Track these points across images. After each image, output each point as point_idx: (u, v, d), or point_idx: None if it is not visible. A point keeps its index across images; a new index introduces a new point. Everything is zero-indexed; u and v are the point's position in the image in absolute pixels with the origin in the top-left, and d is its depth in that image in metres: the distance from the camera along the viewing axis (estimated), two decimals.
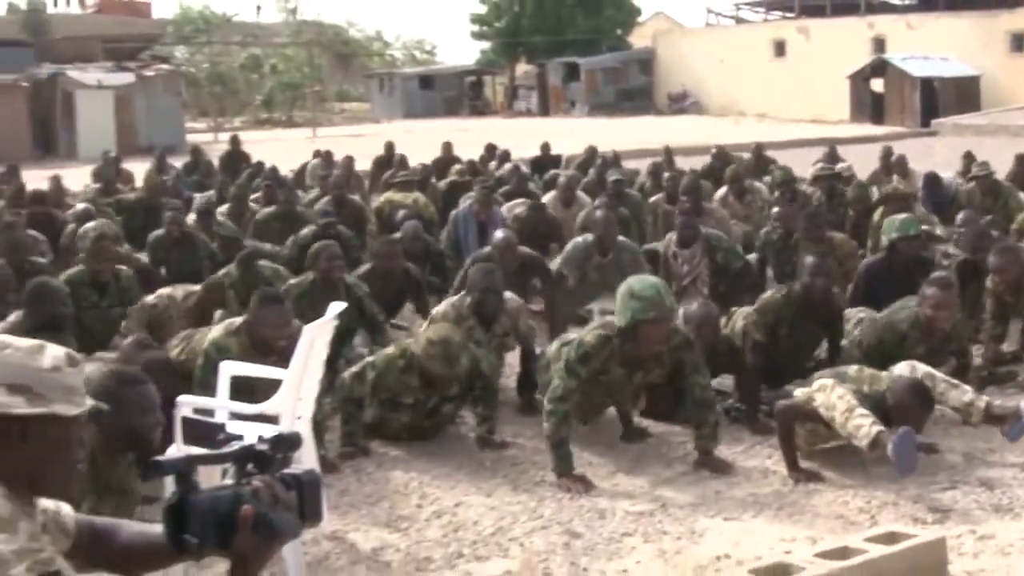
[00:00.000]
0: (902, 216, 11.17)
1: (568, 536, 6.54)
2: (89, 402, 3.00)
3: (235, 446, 3.01)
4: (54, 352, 2.96)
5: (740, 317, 8.87)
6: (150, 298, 10.06)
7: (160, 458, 2.92)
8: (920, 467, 7.33)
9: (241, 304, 9.59)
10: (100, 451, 5.26)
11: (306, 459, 6.26)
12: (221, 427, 3.11)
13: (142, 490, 5.66)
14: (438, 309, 9.44)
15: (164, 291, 10.34)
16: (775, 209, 13.26)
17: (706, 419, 7.66)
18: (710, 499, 7.08)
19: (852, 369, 7.78)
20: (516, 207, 14.21)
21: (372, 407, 8.28)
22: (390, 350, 8.41)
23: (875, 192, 15.22)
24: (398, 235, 12.39)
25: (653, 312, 7.32)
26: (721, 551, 6.26)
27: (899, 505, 6.87)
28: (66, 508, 3.22)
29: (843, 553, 5.85)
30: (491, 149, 23.63)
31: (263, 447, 2.99)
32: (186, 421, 5.93)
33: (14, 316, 7.82)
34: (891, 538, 6.02)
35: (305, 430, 6.41)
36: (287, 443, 3.04)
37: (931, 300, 8.33)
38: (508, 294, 9.44)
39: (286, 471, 3.00)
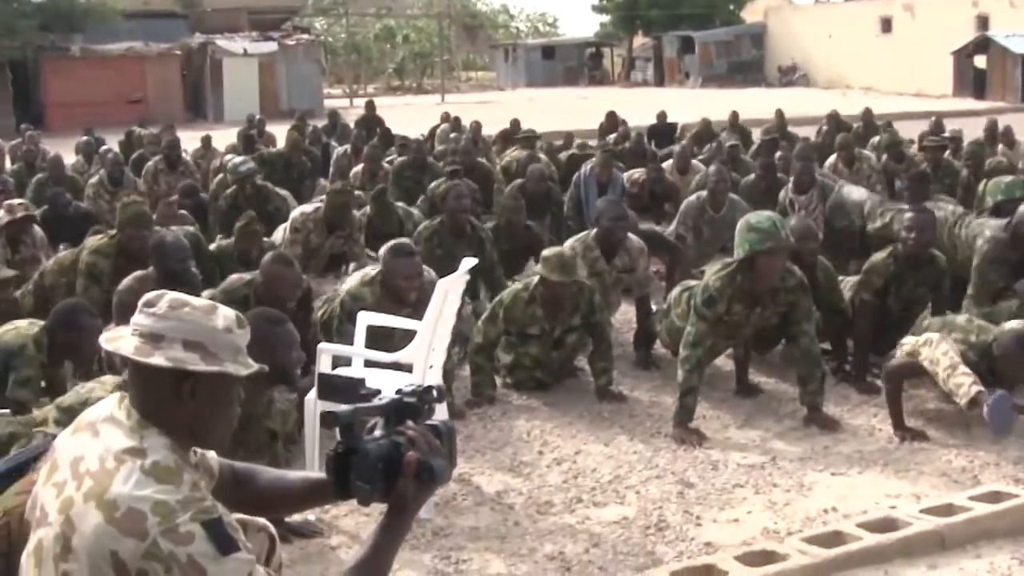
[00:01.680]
0: (1008, 178, 10.80)
1: (682, 486, 6.48)
2: (253, 364, 3.00)
3: (386, 399, 3.00)
4: (226, 313, 2.96)
5: (848, 287, 8.66)
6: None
7: (335, 410, 2.92)
8: (1021, 430, 7.17)
9: (374, 237, 9.73)
10: (245, 385, 5.31)
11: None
12: (361, 382, 3.11)
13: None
14: (565, 245, 9.07)
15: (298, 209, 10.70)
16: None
17: (812, 374, 7.51)
18: (818, 454, 6.97)
19: (961, 319, 7.58)
20: (635, 173, 14.10)
21: (504, 348, 8.29)
22: (516, 286, 8.36)
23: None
24: (522, 181, 12.35)
25: (770, 243, 7.16)
26: (828, 504, 6.16)
27: (1000, 465, 6.70)
28: (211, 452, 3.23)
29: (947, 510, 5.74)
30: (611, 117, 23.40)
31: (412, 400, 2.98)
32: (323, 377, 5.91)
33: (141, 272, 7.94)
34: (994, 497, 5.90)
35: (436, 378, 6.41)
36: (433, 395, 3.02)
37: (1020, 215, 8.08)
38: (631, 236, 9.28)
39: (428, 421, 3.00)
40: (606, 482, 6.57)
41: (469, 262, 6.95)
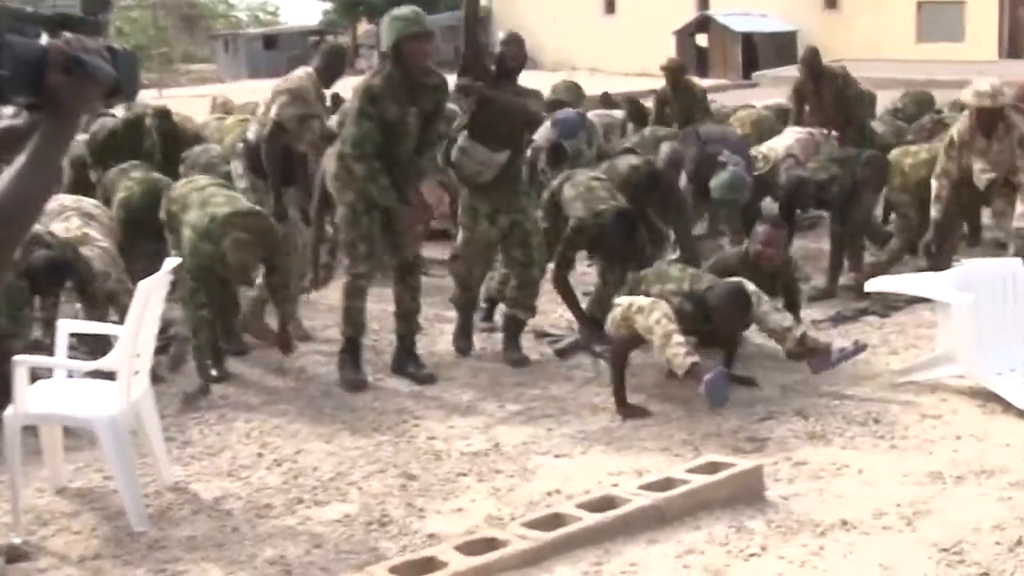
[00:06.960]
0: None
1: (404, 478, 6.48)
2: None
3: (49, 13, 2.80)
4: None
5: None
6: None
7: None
8: (739, 399, 7.44)
9: None
10: None
11: (148, 423, 6.13)
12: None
13: None
14: None
15: None
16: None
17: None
18: (541, 437, 7.06)
19: (675, 268, 7.90)
20: None
21: None
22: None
23: None
24: None
25: (415, 28, 7.61)
26: (552, 487, 6.24)
27: (720, 436, 6.93)
28: None
29: (666, 484, 5.88)
30: (336, 100, 23.69)
31: (73, 11, 2.79)
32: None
33: None
34: (711, 468, 6.07)
35: (145, 385, 6.25)
36: (100, 4, 2.84)
37: (761, 237, 8.43)
38: None
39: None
40: (327, 480, 6.52)
41: (172, 262, 6.78)
